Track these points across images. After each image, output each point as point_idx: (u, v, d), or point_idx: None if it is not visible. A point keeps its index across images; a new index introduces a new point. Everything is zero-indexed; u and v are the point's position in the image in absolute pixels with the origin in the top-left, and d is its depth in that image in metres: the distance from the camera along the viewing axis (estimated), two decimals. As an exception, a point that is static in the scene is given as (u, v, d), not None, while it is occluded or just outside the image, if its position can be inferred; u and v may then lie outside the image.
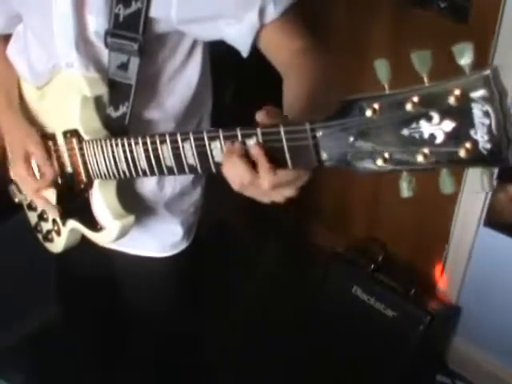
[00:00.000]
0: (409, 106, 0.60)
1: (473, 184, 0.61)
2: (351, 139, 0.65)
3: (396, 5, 1.83)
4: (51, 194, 1.18)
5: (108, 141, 0.99)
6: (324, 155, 0.68)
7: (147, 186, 1.18)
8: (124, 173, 0.98)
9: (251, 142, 0.73)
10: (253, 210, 2.62)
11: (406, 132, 0.60)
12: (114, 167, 0.99)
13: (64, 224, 1.18)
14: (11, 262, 1.35)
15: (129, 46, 1.00)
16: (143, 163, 0.91)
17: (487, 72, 0.56)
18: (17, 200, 1.29)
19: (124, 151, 0.95)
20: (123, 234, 1.10)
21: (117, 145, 0.97)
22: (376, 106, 0.62)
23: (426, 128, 0.59)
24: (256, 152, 0.72)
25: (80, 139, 1.05)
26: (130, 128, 1.06)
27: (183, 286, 1.41)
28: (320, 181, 2.33)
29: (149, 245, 1.26)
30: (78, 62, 1.04)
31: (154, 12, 0.99)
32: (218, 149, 0.78)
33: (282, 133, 0.70)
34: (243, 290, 2.33)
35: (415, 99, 0.59)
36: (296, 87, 0.91)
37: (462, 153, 0.57)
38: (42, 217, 1.24)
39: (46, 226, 1.24)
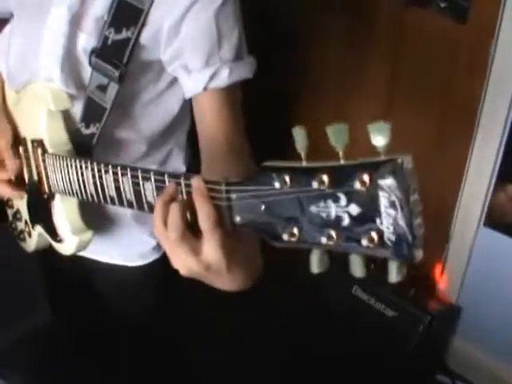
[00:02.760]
0: (316, 184, 0.56)
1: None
2: (262, 208, 0.62)
3: (396, 5, 1.83)
4: (24, 197, 1.18)
5: (65, 159, 0.97)
6: (237, 218, 0.66)
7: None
8: (76, 193, 0.96)
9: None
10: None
11: (313, 209, 0.58)
12: (68, 186, 0.98)
13: (33, 227, 1.18)
14: (7, 262, 1.35)
15: (110, 71, 1.00)
16: (91, 188, 0.90)
17: (399, 161, 0.53)
18: None
19: (77, 173, 0.93)
20: (80, 248, 1.09)
21: (71, 165, 0.95)
22: (287, 178, 0.59)
23: (333, 208, 0.56)
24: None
25: (44, 150, 1.05)
26: (99, 147, 1.05)
27: (158, 295, 1.37)
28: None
29: (117, 254, 1.24)
30: (59, 78, 1.03)
31: (143, 40, 0.99)
32: (149, 190, 0.77)
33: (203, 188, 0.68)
34: (243, 289, 2.33)
35: (325, 178, 0.56)
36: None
37: (366, 241, 0.55)
38: (15, 216, 1.24)
39: (19, 226, 1.25)
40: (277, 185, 0.60)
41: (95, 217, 1.11)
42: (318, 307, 2.09)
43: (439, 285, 2.03)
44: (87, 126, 1.04)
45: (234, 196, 0.65)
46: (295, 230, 0.60)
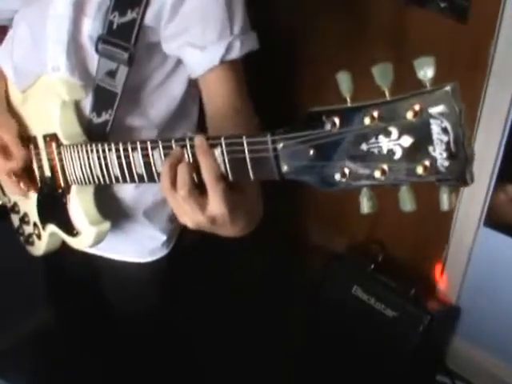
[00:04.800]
0: (368, 120, 0.58)
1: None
2: (311, 152, 0.64)
3: (396, 4, 1.83)
4: (34, 198, 1.18)
5: (84, 146, 0.98)
6: (285, 168, 0.67)
7: (126, 192, 1.17)
8: (98, 179, 0.97)
9: (216, 152, 0.73)
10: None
11: (364, 147, 0.59)
12: (89, 173, 0.98)
13: (44, 228, 1.18)
14: (9, 261, 1.35)
15: (119, 54, 1.00)
16: (116, 170, 0.91)
17: (447, 88, 0.55)
18: (0, 202, 1.29)
19: (98, 157, 0.94)
20: (99, 240, 1.09)
21: (92, 150, 0.96)
22: (336, 119, 0.61)
23: (384, 143, 0.58)
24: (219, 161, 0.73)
25: (59, 143, 1.05)
26: (112, 135, 1.05)
27: (163, 292, 1.39)
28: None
29: (127, 250, 1.25)
30: (65, 67, 1.04)
31: (147, 20, 1.00)
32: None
33: (245, 143, 0.70)
34: (242, 290, 2.33)
35: (375, 113, 0.58)
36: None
37: (420, 170, 0.56)
38: (23, 220, 1.24)
39: (28, 230, 1.24)
40: (327, 127, 0.61)
41: (108, 213, 1.11)
42: (318, 307, 2.09)
43: (439, 285, 2.03)
44: (99, 115, 1.05)
45: (280, 145, 0.66)
46: (346, 170, 0.61)
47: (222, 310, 2.21)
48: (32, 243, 1.24)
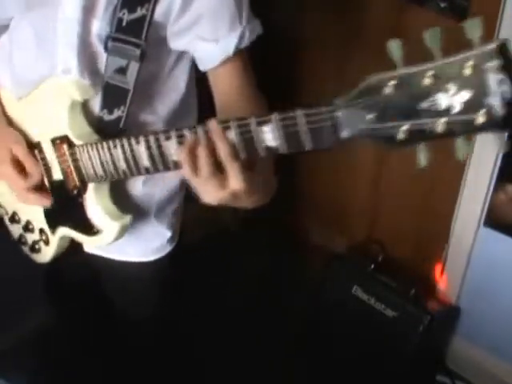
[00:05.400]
0: (426, 81, 0.63)
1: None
2: (371, 116, 0.68)
3: (396, 4, 1.83)
4: (36, 207, 1.17)
5: (105, 143, 0.99)
6: (345, 133, 0.72)
7: (135, 188, 1.18)
8: (124, 173, 0.98)
9: (267, 128, 0.78)
10: (252, 210, 2.62)
11: (423, 105, 0.64)
12: (111, 168, 0.99)
13: (53, 232, 1.18)
14: (9, 261, 1.35)
15: (131, 50, 1.01)
16: (146, 161, 0.93)
17: (501, 42, 0.59)
18: None
19: (124, 152, 0.96)
20: (122, 234, 1.10)
21: (115, 146, 0.97)
22: (394, 82, 0.66)
23: (442, 100, 0.63)
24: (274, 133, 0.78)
25: (71, 145, 1.05)
26: (125, 131, 1.06)
27: (165, 290, 1.40)
28: (320, 181, 2.33)
29: (131, 250, 1.25)
30: (76, 69, 1.04)
31: (157, 16, 1.01)
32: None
33: (302, 116, 0.74)
34: (242, 290, 2.33)
35: (431, 73, 0.63)
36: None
37: (478, 120, 0.61)
38: (27, 228, 1.23)
39: (32, 237, 1.23)
40: (387, 90, 0.67)
41: (125, 209, 1.13)
42: (318, 307, 2.09)
43: (439, 285, 2.03)
44: (111, 112, 1.05)
45: (339, 113, 0.72)
46: (406, 129, 0.66)
47: (222, 309, 2.21)
48: (38, 250, 1.23)
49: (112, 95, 1.04)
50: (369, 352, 1.95)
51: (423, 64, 0.64)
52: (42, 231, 1.20)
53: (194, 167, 0.84)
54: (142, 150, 0.93)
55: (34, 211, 1.19)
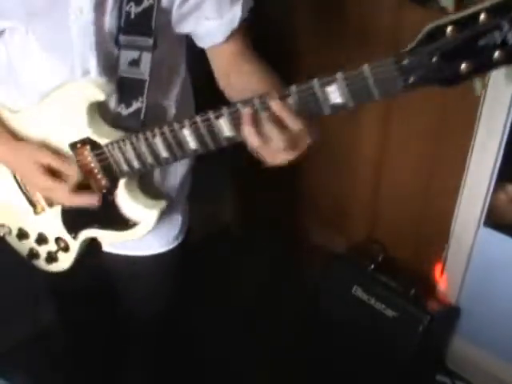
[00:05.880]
0: (481, 18, 0.71)
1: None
2: (434, 60, 0.77)
3: (396, 3, 1.83)
4: (54, 213, 1.17)
5: (141, 135, 1.01)
6: (411, 79, 0.80)
7: (156, 176, 1.19)
8: (166, 160, 1.01)
9: (331, 89, 0.84)
10: (252, 210, 2.63)
11: (481, 42, 0.73)
12: (151, 159, 1.02)
13: (75, 237, 1.18)
14: (9, 261, 1.35)
15: (143, 41, 1.03)
16: (192, 144, 0.97)
17: None
18: (1, 234, 1.25)
19: (165, 139, 0.98)
20: (159, 220, 1.12)
21: (154, 135, 0.99)
22: (452, 27, 0.73)
23: (498, 35, 0.71)
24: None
25: (95, 146, 1.05)
26: (146, 121, 1.07)
27: (177, 282, 1.43)
28: (320, 181, 2.33)
29: (156, 241, 1.27)
30: (95, 69, 1.04)
31: (163, 3, 1.03)
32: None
33: (368, 70, 0.81)
34: (242, 289, 2.33)
35: (485, 13, 0.70)
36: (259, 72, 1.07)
37: None
38: (40, 240, 1.22)
39: (47, 248, 1.22)
40: (448, 34, 0.74)
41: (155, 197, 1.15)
42: (318, 307, 2.09)
43: (439, 285, 2.03)
44: (129, 105, 1.06)
45: (405, 62, 0.79)
46: (467, 66, 0.75)
47: (221, 309, 2.21)
48: (55, 259, 1.23)
49: (128, 89, 1.05)
50: (369, 352, 1.95)
51: (477, 5, 0.71)
52: (58, 240, 1.20)
53: (263, 138, 0.89)
54: (186, 134, 0.96)
55: (46, 222, 1.19)
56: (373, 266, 2.02)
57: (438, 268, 2.02)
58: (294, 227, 2.46)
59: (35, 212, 1.20)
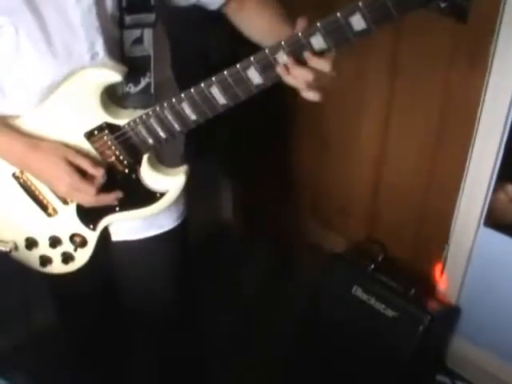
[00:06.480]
0: None
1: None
2: None
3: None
4: (69, 211, 1.17)
5: (166, 103, 1.03)
6: None
7: (166, 148, 1.20)
8: (195, 122, 1.04)
9: (356, 17, 0.90)
10: (252, 210, 2.63)
11: None
12: (178, 124, 1.05)
13: (94, 228, 1.19)
14: (9, 261, 1.36)
15: (146, 18, 1.05)
16: (222, 99, 1.01)
17: None
18: (7, 249, 1.23)
19: (193, 102, 1.01)
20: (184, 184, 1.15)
21: (180, 102, 1.02)
22: None
23: None
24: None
25: (114, 128, 1.07)
26: (156, 93, 1.10)
27: (184, 260, 1.44)
28: (320, 181, 2.33)
29: (166, 219, 1.30)
30: (103, 50, 1.04)
31: None
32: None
33: None
34: (242, 289, 2.33)
35: None
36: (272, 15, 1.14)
37: None
38: (53, 244, 1.21)
39: (61, 250, 1.22)
40: None
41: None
42: (318, 307, 2.09)
43: (439, 285, 2.03)
44: (137, 83, 1.08)
45: None
46: None
47: (221, 309, 2.21)
48: (72, 259, 1.23)
49: (134, 67, 1.06)
50: (369, 352, 1.95)
51: None
52: (73, 237, 1.20)
53: (298, 78, 0.95)
54: (215, 91, 0.99)
55: (60, 222, 1.19)
56: (373, 266, 2.02)
57: (437, 268, 2.02)
58: (293, 227, 2.46)
59: (47, 214, 1.19)
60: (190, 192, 1.33)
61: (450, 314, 2.02)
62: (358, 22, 0.90)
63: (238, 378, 2.00)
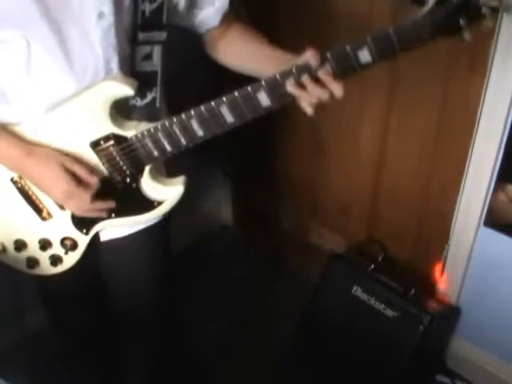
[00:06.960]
0: None
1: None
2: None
3: (396, 3, 1.83)
4: (64, 215, 1.18)
5: (175, 118, 1.07)
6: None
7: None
8: (201, 138, 1.09)
9: (363, 52, 1.00)
10: (252, 210, 2.63)
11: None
12: (184, 139, 1.09)
13: (87, 233, 1.20)
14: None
15: (158, 36, 1.09)
16: (230, 117, 1.06)
17: None
18: None
19: (201, 120, 1.06)
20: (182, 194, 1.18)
21: (189, 118, 1.06)
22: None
23: None
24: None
25: (120, 139, 1.09)
26: (161, 107, 1.13)
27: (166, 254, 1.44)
28: (320, 181, 2.33)
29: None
30: (117, 66, 1.08)
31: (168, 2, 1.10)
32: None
33: (394, 34, 1.02)
34: (243, 289, 2.33)
35: None
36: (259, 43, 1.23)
37: None
38: (43, 246, 1.22)
39: (50, 252, 1.23)
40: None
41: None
42: (318, 307, 2.09)
43: (439, 285, 2.03)
44: (144, 97, 1.11)
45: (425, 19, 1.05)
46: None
47: (220, 309, 2.21)
48: (60, 261, 1.24)
49: (143, 82, 1.09)
50: (369, 352, 1.95)
51: None
52: (64, 240, 1.21)
53: (309, 99, 1.03)
54: (225, 111, 1.05)
55: (53, 226, 1.19)
56: (373, 266, 2.02)
57: (437, 268, 2.02)
58: (293, 227, 2.46)
59: (41, 218, 1.19)
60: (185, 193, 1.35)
61: (450, 314, 2.02)
62: (365, 56, 1.01)
63: (238, 378, 2.00)
